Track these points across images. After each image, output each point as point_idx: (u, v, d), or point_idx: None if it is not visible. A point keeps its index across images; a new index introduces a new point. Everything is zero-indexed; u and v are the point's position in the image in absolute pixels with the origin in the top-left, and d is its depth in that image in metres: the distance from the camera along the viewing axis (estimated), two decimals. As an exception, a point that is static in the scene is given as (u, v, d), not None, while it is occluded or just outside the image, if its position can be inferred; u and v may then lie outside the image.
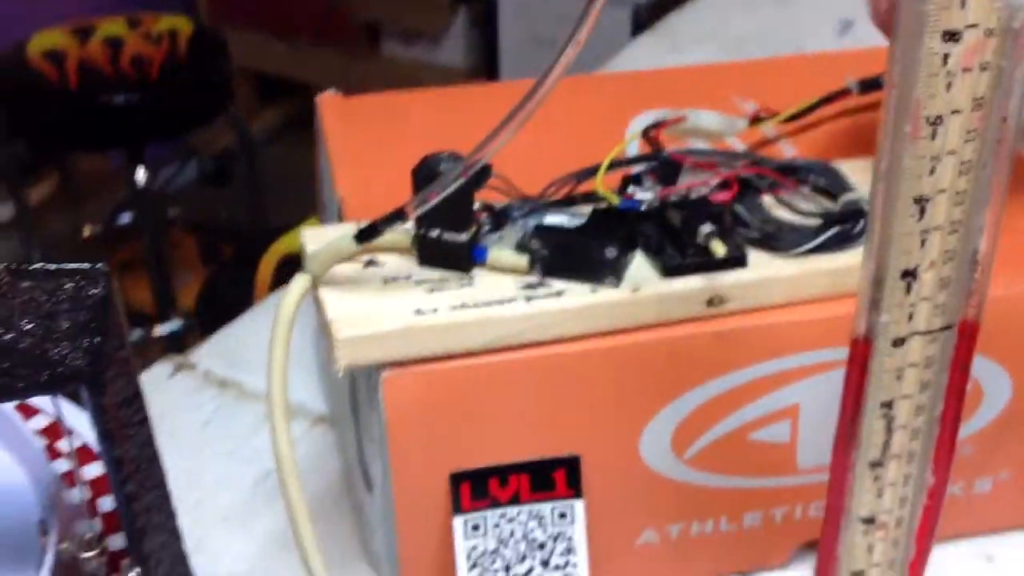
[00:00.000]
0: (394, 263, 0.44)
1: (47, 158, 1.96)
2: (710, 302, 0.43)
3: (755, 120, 0.54)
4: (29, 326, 0.26)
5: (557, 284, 0.43)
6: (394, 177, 0.44)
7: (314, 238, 0.45)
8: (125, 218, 1.79)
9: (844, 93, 0.55)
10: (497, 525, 0.44)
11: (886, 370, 0.33)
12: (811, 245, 0.44)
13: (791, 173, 0.48)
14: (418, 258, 0.44)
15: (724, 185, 0.46)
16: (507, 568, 0.44)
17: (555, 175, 0.47)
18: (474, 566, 0.44)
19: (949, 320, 0.32)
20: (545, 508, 0.44)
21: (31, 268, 0.26)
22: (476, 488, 0.43)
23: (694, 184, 0.46)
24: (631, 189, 0.46)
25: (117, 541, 0.34)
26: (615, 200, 0.46)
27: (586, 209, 0.46)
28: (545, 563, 0.44)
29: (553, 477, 0.44)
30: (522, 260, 0.43)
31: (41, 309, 0.26)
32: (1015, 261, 0.44)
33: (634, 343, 0.43)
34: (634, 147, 0.51)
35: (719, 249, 0.44)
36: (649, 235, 0.44)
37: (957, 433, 0.35)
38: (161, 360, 0.63)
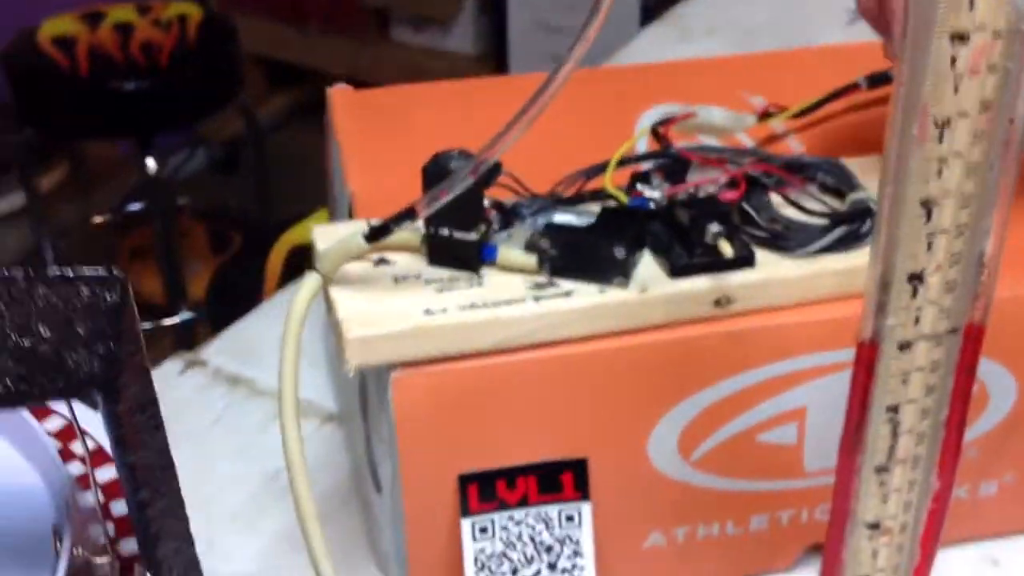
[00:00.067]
0: (404, 261, 0.44)
1: (57, 145, 1.96)
2: (718, 302, 0.43)
3: (764, 116, 0.54)
4: (46, 332, 0.26)
5: (566, 284, 0.43)
6: (405, 172, 0.44)
7: (325, 236, 0.45)
8: (135, 206, 1.79)
9: (852, 88, 0.55)
10: (505, 527, 0.44)
11: (892, 374, 0.32)
12: (819, 245, 0.44)
13: (799, 171, 0.48)
14: (428, 257, 0.44)
15: (732, 183, 0.46)
16: (515, 571, 0.44)
17: (564, 170, 0.47)
18: (482, 568, 0.44)
19: (955, 323, 0.32)
20: (552, 511, 0.44)
21: (48, 274, 0.26)
22: (484, 490, 0.44)
23: (702, 182, 0.46)
24: (640, 187, 0.46)
25: (129, 545, 0.34)
26: (624, 199, 0.46)
27: (595, 207, 0.46)
28: (552, 566, 0.44)
29: (561, 480, 0.44)
30: (531, 260, 0.44)
31: (58, 315, 0.26)
32: (1021, 262, 0.43)
33: (642, 344, 0.43)
34: (643, 143, 0.51)
35: (727, 249, 0.44)
36: (657, 234, 0.44)
37: (963, 437, 0.35)
38: (171, 357, 0.63)
